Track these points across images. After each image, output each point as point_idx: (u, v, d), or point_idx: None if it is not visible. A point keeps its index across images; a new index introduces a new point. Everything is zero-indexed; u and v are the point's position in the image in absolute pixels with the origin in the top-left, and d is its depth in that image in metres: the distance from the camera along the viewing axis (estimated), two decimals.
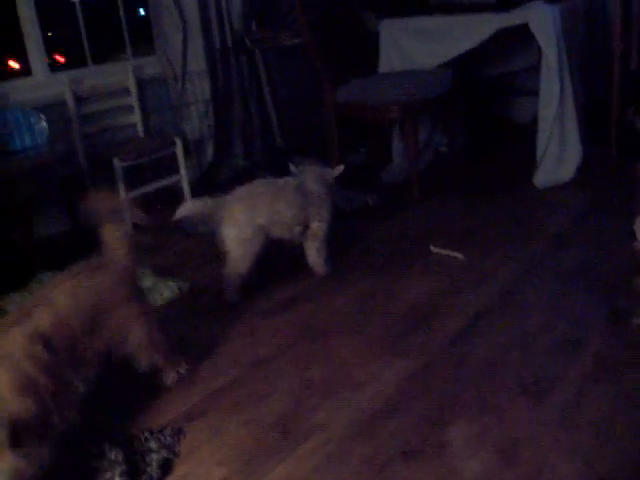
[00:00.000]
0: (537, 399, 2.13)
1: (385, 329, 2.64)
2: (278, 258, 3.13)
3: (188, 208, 2.99)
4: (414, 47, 4.31)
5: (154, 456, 2.02)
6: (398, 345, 2.52)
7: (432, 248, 3.27)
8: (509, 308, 2.70)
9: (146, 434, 2.12)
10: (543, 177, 3.94)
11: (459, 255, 3.18)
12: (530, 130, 4.10)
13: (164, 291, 3.09)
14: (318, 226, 3.07)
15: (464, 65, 4.31)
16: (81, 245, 2.35)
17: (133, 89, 4.23)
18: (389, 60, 4.42)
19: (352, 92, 4.11)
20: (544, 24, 3.80)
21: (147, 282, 3.12)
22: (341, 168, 3.16)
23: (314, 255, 3.11)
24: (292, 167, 3.18)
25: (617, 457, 1.87)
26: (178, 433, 2.14)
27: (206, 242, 3.37)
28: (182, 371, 2.42)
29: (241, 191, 2.99)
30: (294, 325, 2.75)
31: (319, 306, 2.88)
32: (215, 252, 3.01)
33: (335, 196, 3.19)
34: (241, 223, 2.90)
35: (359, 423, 2.12)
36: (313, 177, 3.09)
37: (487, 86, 4.94)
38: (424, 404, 2.17)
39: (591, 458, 1.87)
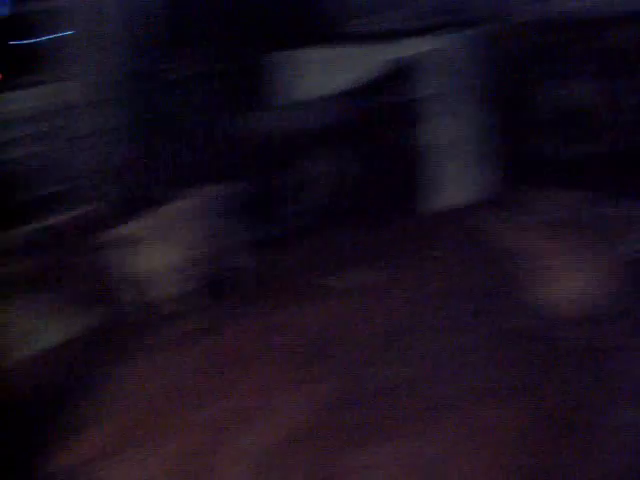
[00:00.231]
0: (447, 418, 2.18)
1: (292, 357, 2.65)
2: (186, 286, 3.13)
3: (115, 234, 3.01)
4: (311, 77, 4.38)
5: None
6: (308, 372, 2.53)
7: (334, 275, 3.31)
8: (410, 329, 2.76)
9: (62, 474, 2.08)
10: (443, 200, 4.06)
11: (361, 278, 3.24)
12: (430, 155, 4.22)
13: (65, 327, 3.00)
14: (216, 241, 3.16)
15: (366, 93, 4.41)
16: None
17: (37, 117, 4.11)
18: (287, 90, 4.46)
19: (259, 121, 4.14)
20: (442, 53, 3.95)
21: (44, 320, 3.03)
22: (237, 189, 3.29)
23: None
24: (196, 190, 3.28)
25: (526, 471, 1.95)
26: (92, 471, 2.10)
27: (111, 274, 3.31)
28: None
29: (160, 214, 3.08)
30: (204, 356, 2.73)
31: (226, 337, 2.86)
32: (123, 282, 2.99)
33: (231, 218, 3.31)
34: (165, 244, 2.98)
35: (273, 451, 2.12)
36: (211, 199, 3.26)
37: (391, 113, 5.06)
38: (337, 429, 2.20)
39: (505, 473, 1.94)
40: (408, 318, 2.87)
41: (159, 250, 2.97)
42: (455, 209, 4.05)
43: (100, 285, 3.44)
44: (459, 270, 3.29)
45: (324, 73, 4.34)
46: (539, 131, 4.27)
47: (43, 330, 2.94)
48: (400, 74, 4.66)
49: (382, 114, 4.99)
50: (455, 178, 4.11)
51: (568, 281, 2.47)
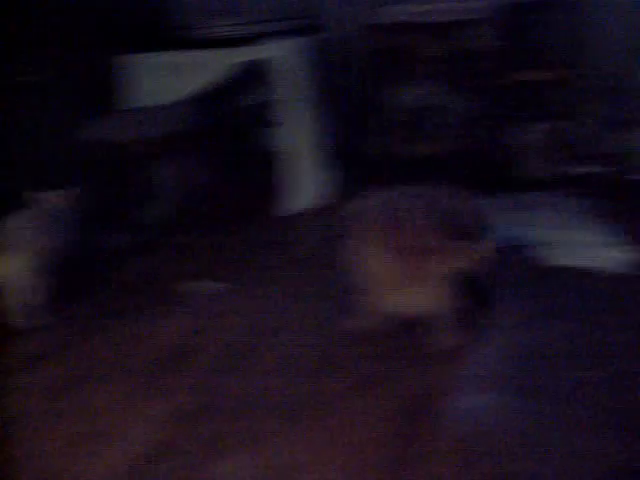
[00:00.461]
0: (293, 422, 2.19)
1: (146, 371, 2.57)
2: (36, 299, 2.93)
3: None
4: (157, 82, 4.29)
5: None
6: (159, 385, 2.46)
7: (187, 283, 3.25)
8: (265, 335, 2.76)
9: None
10: (291, 204, 4.11)
11: (215, 286, 3.20)
12: (278, 159, 4.24)
13: None
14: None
15: (210, 99, 4.35)
16: None
17: None
18: (132, 96, 4.35)
19: (102, 129, 3.96)
20: (282, 59, 3.99)
21: None
22: (87, 196, 3.23)
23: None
24: (44, 197, 3.15)
25: (385, 469, 1.96)
26: None
27: None
28: None
29: (5, 222, 2.92)
30: (54, 375, 2.57)
31: (78, 352, 2.73)
32: None
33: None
34: (25, 250, 2.86)
35: (128, 469, 2.03)
36: (60, 206, 3.15)
37: (235, 118, 5.03)
38: (193, 443, 2.15)
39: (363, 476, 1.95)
40: (263, 324, 2.88)
41: (4, 261, 2.81)
42: (305, 213, 4.16)
43: None
44: (307, 274, 3.34)
45: (172, 77, 4.27)
46: (386, 132, 4.39)
47: None
48: (248, 79, 4.65)
49: (231, 119, 4.97)
50: (305, 182, 4.16)
51: (417, 279, 2.47)
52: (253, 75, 4.55)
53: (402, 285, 2.49)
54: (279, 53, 4.02)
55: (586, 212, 3.79)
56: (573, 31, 4.49)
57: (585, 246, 3.29)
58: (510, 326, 2.71)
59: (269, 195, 4.28)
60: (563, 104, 4.26)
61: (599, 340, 2.54)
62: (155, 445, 2.14)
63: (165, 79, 4.27)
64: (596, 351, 2.48)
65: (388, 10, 4.21)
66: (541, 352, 2.50)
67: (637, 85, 4.20)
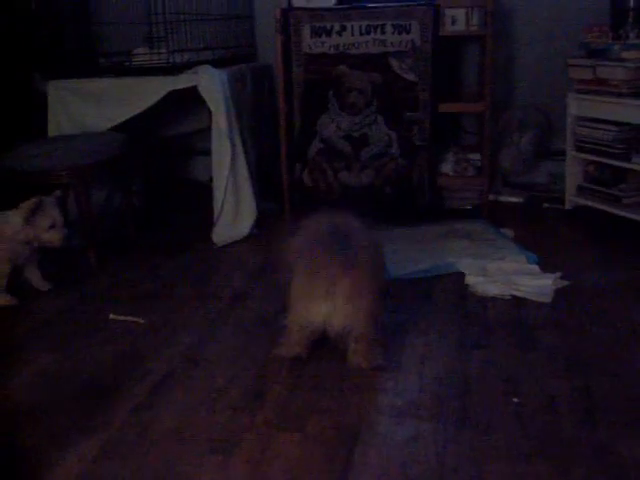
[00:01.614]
0: (226, 456, 2.11)
1: (68, 408, 2.44)
2: None
3: None
4: (84, 109, 4.20)
5: None
6: (82, 422, 2.33)
7: (111, 316, 3.16)
8: (194, 368, 2.68)
9: None
10: (221, 234, 4.04)
11: (139, 320, 3.11)
12: (209, 189, 4.21)
13: None
14: None
15: (139, 127, 4.31)
16: None
17: None
18: (58, 123, 4.23)
19: (20, 157, 3.85)
20: (212, 87, 3.96)
21: None
22: None
23: None
24: None
25: None
26: None
27: None
28: None
29: None
30: None
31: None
32: None
33: None
34: None
35: None
36: None
37: (164, 147, 4.99)
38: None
39: None
40: (191, 356, 2.79)
41: None
42: (237, 243, 4.07)
43: None
44: (236, 304, 3.27)
45: (100, 105, 4.18)
46: (318, 162, 4.41)
47: None
48: (180, 106, 4.63)
49: (163, 146, 4.93)
50: (239, 212, 4.13)
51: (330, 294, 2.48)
52: (189, 102, 4.52)
53: (318, 300, 2.48)
54: (212, 81, 4.00)
55: (510, 241, 3.85)
56: (499, 64, 4.60)
57: (510, 275, 3.33)
58: (437, 354, 2.71)
59: (201, 225, 4.22)
60: (488, 135, 4.34)
61: (527, 368, 2.54)
62: None
63: (95, 106, 4.19)
64: (525, 379, 2.47)
65: (319, 40, 4.25)
66: (469, 380, 2.48)
67: (560, 117, 4.33)
